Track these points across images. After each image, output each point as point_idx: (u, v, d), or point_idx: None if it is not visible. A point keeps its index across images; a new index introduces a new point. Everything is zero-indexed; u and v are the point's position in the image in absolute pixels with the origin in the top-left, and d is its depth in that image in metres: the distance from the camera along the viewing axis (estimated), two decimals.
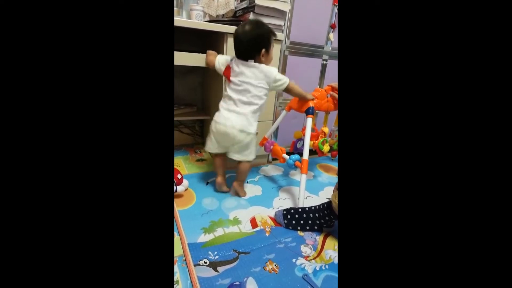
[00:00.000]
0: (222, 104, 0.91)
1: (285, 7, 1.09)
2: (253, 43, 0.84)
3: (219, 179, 1.00)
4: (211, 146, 0.96)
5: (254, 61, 0.87)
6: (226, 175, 1.04)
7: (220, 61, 0.94)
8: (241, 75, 0.87)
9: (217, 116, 0.91)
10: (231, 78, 0.89)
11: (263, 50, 0.85)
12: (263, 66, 0.87)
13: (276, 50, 1.14)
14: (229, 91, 0.90)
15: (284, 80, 0.90)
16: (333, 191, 0.83)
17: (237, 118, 0.87)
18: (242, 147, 0.92)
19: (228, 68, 0.91)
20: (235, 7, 1.16)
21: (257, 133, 0.94)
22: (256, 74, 0.86)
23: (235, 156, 0.95)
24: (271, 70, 0.88)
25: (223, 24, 1.00)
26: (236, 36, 0.86)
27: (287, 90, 0.94)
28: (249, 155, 0.95)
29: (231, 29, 1.00)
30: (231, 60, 0.91)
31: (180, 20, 0.96)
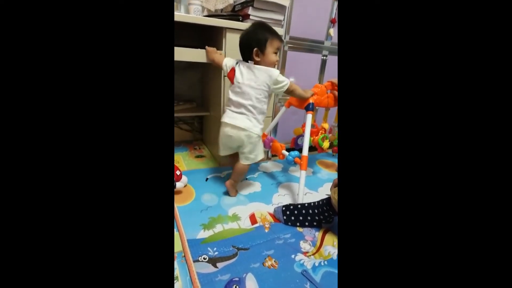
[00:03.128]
0: (227, 108, 0.94)
1: (285, 2, 1.08)
2: (246, 43, 0.87)
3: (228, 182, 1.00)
4: (221, 148, 0.99)
5: (254, 63, 0.89)
6: (224, 172, 1.04)
7: (228, 64, 0.94)
8: (242, 77, 0.89)
9: (223, 117, 0.93)
10: (234, 81, 0.91)
11: (255, 50, 0.86)
12: (264, 67, 0.88)
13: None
14: (230, 94, 0.92)
15: (286, 82, 0.90)
16: (331, 188, 0.83)
17: (243, 117, 0.89)
18: (249, 150, 0.93)
19: (232, 70, 0.92)
20: (234, 2, 1.15)
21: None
22: (257, 75, 0.87)
23: (243, 161, 0.96)
24: (273, 71, 0.88)
25: (221, 19, 0.99)
26: (239, 37, 0.90)
27: (288, 92, 0.95)
28: (255, 158, 0.96)
29: (230, 24, 0.99)
30: (237, 63, 0.92)
31: (179, 14, 0.95)
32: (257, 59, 0.88)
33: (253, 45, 0.86)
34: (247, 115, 0.89)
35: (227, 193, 1.00)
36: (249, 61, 0.91)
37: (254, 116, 0.90)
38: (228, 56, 1.04)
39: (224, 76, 1.02)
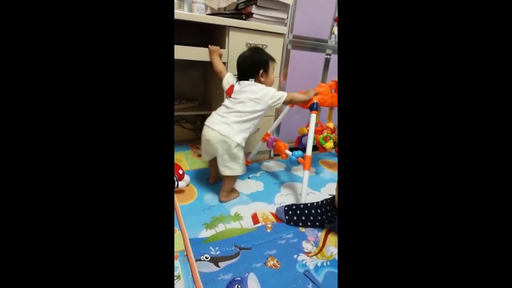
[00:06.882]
0: (215, 112, 0.94)
1: (288, 0, 1.07)
2: (252, 66, 0.93)
3: (211, 178, 1.06)
4: (203, 151, 0.97)
5: (254, 81, 0.94)
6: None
7: (229, 80, 0.98)
8: (241, 92, 0.92)
9: (207, 120, 0.92)
10: (232, 95, 0.93)
11: (261, 71, 0.93)
12: (262, 85, 0.93)
13: (278, 44, 1.12)
14: (226, 101, 0.94)
15: (280, 96, 0.93)
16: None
17: (224, 123, 0.88)
18: (226, 159, 0.89)
19: (231, 87, 0.95)
20: (237, 0, 1.14)
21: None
22: (255, 90, 0.91)
23: (222, 170, 0.91)
24: (270, 88, 0.93)
25: (225, 17, 0.99)
26: (238, 61, 0.95)
27: (287, 102, 0.98)
28: (234, 170, 0.91)
29: (233, 22, 0.99)
30: (237, 81, 0.95)
31: (182, 13, 0.95)
32: (262, 79, 0.94)
33: (260, 67, 0.93)
34: (230, 125, 0.87)
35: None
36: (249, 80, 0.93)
37: (239, 123, 0.88)
38: (231, 55, 1.04)
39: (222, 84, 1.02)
